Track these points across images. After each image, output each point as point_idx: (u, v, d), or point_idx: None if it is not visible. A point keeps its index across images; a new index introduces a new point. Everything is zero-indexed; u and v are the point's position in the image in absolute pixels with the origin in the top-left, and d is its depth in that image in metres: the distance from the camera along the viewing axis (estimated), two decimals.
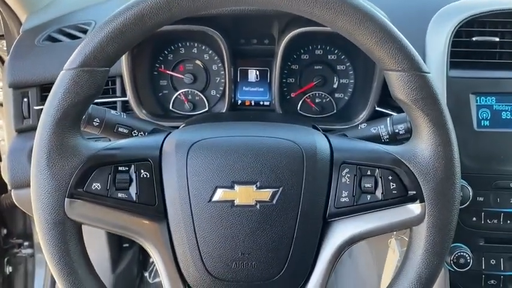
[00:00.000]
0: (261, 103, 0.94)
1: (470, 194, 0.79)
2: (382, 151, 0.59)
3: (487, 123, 0.83)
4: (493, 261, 0.81)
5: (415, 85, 0.55)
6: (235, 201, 0.57)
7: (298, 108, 0.93)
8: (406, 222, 0.58)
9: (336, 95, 0.93)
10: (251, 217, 0.57)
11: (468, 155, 0.81)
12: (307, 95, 0.93)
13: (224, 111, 0.90)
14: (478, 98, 0.83)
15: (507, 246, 0.81)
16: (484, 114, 0.83)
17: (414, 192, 0.57)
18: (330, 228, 0.60)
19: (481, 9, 0.84)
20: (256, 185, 0.57)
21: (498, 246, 0.81)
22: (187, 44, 0.93)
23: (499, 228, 0.81)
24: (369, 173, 0.59)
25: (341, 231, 0.59)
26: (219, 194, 0.57)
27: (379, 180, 0.58)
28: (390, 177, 0.58)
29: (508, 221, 0.80)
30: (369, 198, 0.58)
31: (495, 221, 0.81)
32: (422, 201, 0.56)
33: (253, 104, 0.94)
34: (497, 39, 0.84)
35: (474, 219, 0.81)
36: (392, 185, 0.58)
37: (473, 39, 0.84)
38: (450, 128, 0.56)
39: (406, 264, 0.58)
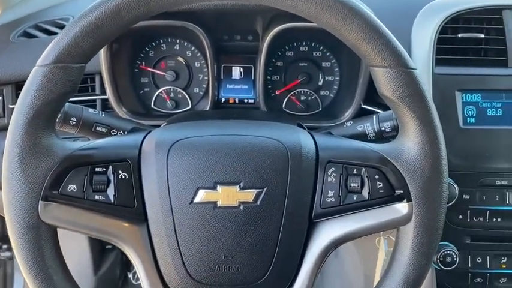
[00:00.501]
0: (246, 101, 0.92)
1: (457, 192, 0.78)
2: (368, 149, 0.58)
3: (472, 120, 0.82)
4: (479, 260, 0.81)
5: (402, 82, 0.54)
6: (217, 203, 0.55)
7: (283, 106, 0.92)
8: (393, 222, 0.57)
9: (321, 93, 0.92)
10: (234, 219, 0.55)
11: (454, 152, 0.80)
12: (292, 93, 0.91)
13: (208, 109, 0.88)
14: (463, 95, 0.82)
15: (493, 244, 0.81)
16: (470, 112, 0.82)
17: (401, 191, 0.56)
18: (316, 229, 0.58)
19: (466, 5, 0.84)
20: (240, 186, 0.55)
21: (484, 244, 0.81)
22: (169, 40, 0.90)
23: (485, 226, 0.81)
24: (355, 172, 0.57)
25: (327, 232, 0.58)
26: (201, 195, 0.55)
27: (366, 179, 0.57)
28: (377, 176, 0.56)
29: (494, 219, 0.80)
30: (355, 198, 0.57)
31: (481, 219, 0.80)
32: (409, 200, 0.55)
33: (237, 101, 0.92)
34: (482, 35, 0.83)
35: (460, 217, 0.81)
36: (379, 184, 0.56)
37: (459, 35, 0.83)
38: (437, 126, 0.55)
39: (393, 265, 0.57)
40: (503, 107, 0.82)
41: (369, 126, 0.69)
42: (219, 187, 0.55)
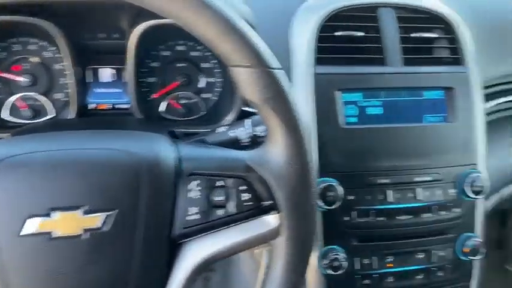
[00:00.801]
0: (119, 107, 0.83)
1: (342, 193, 0.76)
2: (233, 158, 0.52)
3: (354, 119, 0.81)
4: (366, 261, 0.79)
5: (265, 82, 0.49)
6: (54, 233, 0.46)
7: (163, 110, 0.84)
8: (263, 236, 0.52)
9: (204, 95, 0.85)
10: (79, 250, 0.47)
11: (337, 153, 0.78)
12: (171, 96, 0.84)
13: (73, 117, 0.78)
14: (344, 94, 0.80)
15: (379, 243, 0.80)
16: (351, 111, 0.81)
17: (269, 202, 0.51)
18: (180, 250, 0.51)
19: (343, 3, 0.82)
20: (83, 210, 0.47)
21: (371, 245, 0.80)
22: (23, 39, 0.78)
23: (371, 226, 0.79)
24: (220, 183, 0.51)
25: (193, 254, 0.51)
26: (33, 225, 0.46)
27: (231, 191, 0.51)
28: (242, 187, 0.51)
29: (378, 218, 0.79)
30: (221, 213, 0.51)
31: (366, 219, 0.79)
32: (278, 211, 0.51)
33: (110, 107, 0.82)
34: (360, 34, 0.83)
35: (346, 218, 0.79)
36: (246, 196, 0.51)
37: (337, 34, 0.82)
38: (302, 129, 0.51)
39: (266, 281, 0.52)
40: (383, 105, 0.82)
41: (242, 131, 0.64)
42: (55, 214, 0.46)
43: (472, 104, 0.84)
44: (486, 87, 0.88)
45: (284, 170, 0.50)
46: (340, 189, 0.76)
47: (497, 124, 0.92)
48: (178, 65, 0.84)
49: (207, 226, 0.51)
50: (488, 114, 0.89)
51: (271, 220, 0.51)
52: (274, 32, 0.84)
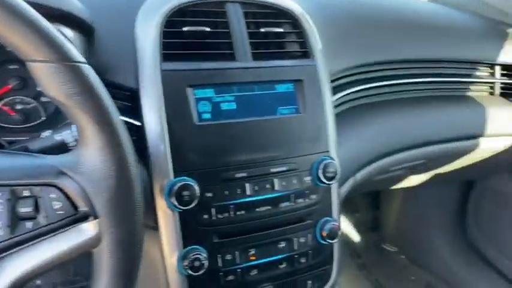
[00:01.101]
0: None
1: (198, 191, 0.74)
2: (42, 164, 0.47)
3: (208, 116, 0.80)
4: (229, 257, 0.79)
5: (67, 78, 0.45)
6: None
7: None
8: (82, 245, 0.48)
9: (43, 99, 0.78)
10: None
11: (192, 150, 0.76)
12: (3, 102, 0.75)
13: None
14: (195, 90, 0.79)
15: (241, 238, 0.80)
16: (204, 107, 0.80)
17: (86, 208, 0.47)
18: None
19: None
20: None
21: (233, 240, 0.79)
22: None
23: (231, 221, 0.79)
24: (27, 194, 0.46)
25: (1, 275, 0.46)
26: None
27: (41, 200, 0.46)
28: (52, 195, 0.47)
29: (237, 212, 0.79)
30: (30, 226, 0.46)
31: (226, 215, 0.78)
32: (96, 217, 0.47)
33: None
34: (207, 29, 0.82)
35: (206, 216, 0.77)
36: (57, 204, 0.47)
37: (184, 29, 0.80)
38: (117, 126, 0.48)
39: None
40: (236, 100, 0.82)
41: (68, 133, 0.59)
42: None
43: (321, 95, 0.88)
44: (332, 81, 0.93)
45: (99, 172, 0.47)
46: (197, 188, 0.74)
47: (345, 115, 0.98)
48: (10, 67, 0.76)
49: (16, 242, 0.46)
50: (336, 106, 0.94)
51: (89, 228, 0.47)
52: (119, 29, 0.80)
